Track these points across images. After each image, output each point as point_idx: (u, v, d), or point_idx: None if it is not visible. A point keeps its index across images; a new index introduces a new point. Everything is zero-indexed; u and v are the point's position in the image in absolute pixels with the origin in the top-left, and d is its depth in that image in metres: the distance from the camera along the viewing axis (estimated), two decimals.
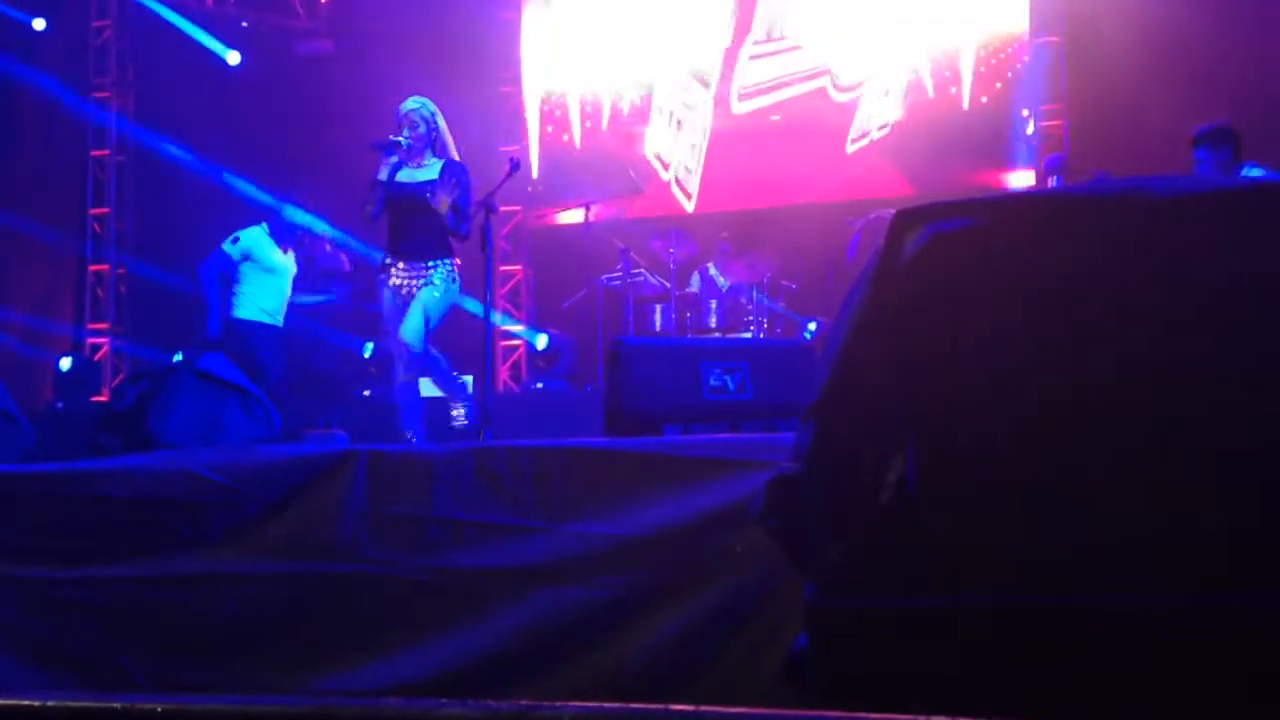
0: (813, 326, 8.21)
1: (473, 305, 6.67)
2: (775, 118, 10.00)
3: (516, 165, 5.92)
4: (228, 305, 7.09)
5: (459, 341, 5.91)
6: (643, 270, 8.83)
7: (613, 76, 10.54)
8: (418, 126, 5.62)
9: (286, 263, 7.24)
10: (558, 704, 1.28)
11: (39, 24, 10.63)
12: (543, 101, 10.70)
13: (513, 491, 3.61)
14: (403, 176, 5.61)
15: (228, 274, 7.09)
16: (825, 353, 1.88)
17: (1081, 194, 2.08)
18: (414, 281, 5.55)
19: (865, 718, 1.27)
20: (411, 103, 5.71)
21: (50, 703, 1.39)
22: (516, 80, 10.76)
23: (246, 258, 7.08)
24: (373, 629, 3.68)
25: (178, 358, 8.18)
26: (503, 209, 7.84)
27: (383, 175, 5.59)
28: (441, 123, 5.72)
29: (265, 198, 7.73)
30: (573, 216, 9.66)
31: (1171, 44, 7.96)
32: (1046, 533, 1.68)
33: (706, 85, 10.17)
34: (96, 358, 10.86)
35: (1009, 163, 9.23)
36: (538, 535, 3.56)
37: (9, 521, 3.98)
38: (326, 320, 8.77)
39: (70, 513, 3.98)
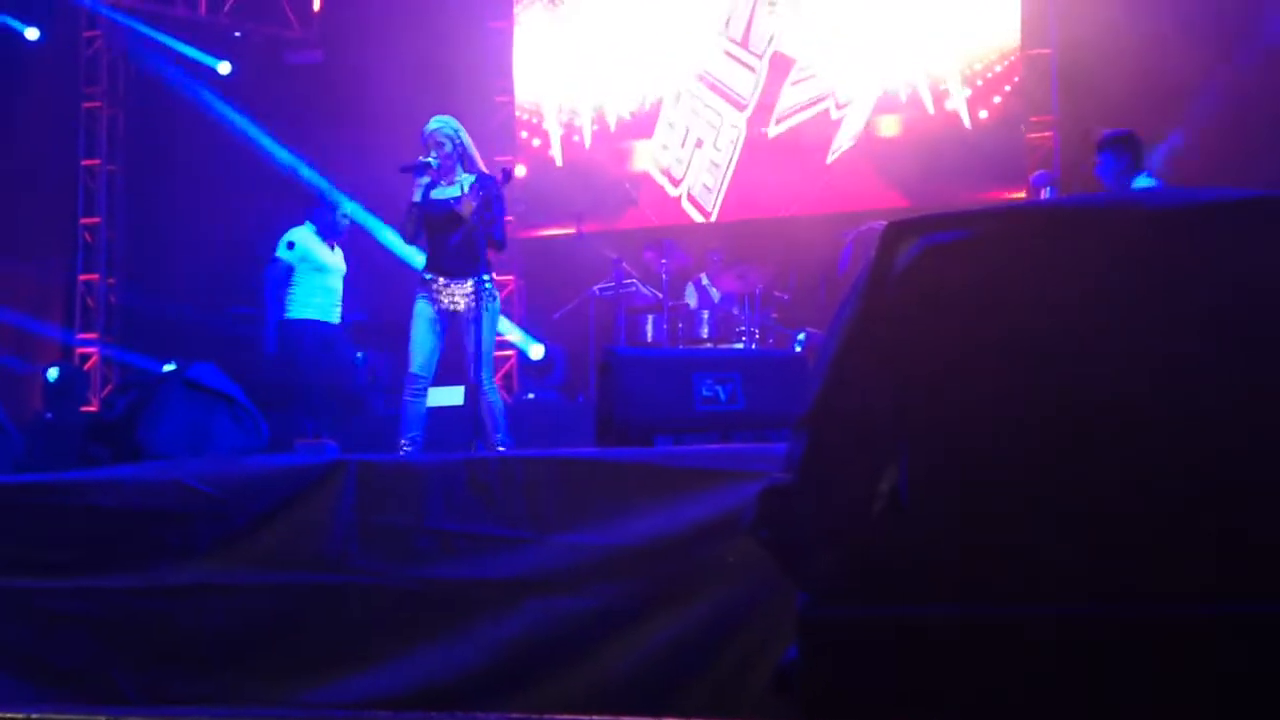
0: (801, 337, 8.22)
1: None
2: (768, 131, 10.02)
3: (509, 175, 5.98)
4: (280, 309, 7.06)
5: (451, 352, 5.90)
6: (634, 281, 8.84)
7: (598, 91, 10.53)
8: (444, 146, 5.67)
9: (335, 260, 7.22)
10: (547, 715, 1.27)
11: (32, 34, 10.62)
12: (529, 115, 10.70)
13: (504, 502, 3.60)
14: (436, 194, 5.67)
15: (285, 279, 7.07)
16: (817, 363, 1.88)
17: (1072, 206, 2.09)
18: (457, 298, 5.58)
19: None
20: (435, 123, 5.73)
21: (36, 715, 1.38)
22: (509, 90, 10.77)
23: (303, 259, 7.06)
24: (362, 640, 3.67)
25: (169, 367, 8.16)
26: None
27: (416, 196, 5.65)
28: (466, 138, 5.76)
29: (318, 186, 7.60)
30: (565, 227, 9.67)
31: (1162, 57, 8.00)
32: (1040, 543, 1.69)
33: (742, 108, 10.11)
34: (86, 367, 10.83)
35: (1012, 177, 9.21)
36: (529, 546, 3.55)
37: None
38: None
39: (59, 523, 3.97)
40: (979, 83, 9.44)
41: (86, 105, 11.14)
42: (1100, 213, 1.85)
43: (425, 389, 5.63)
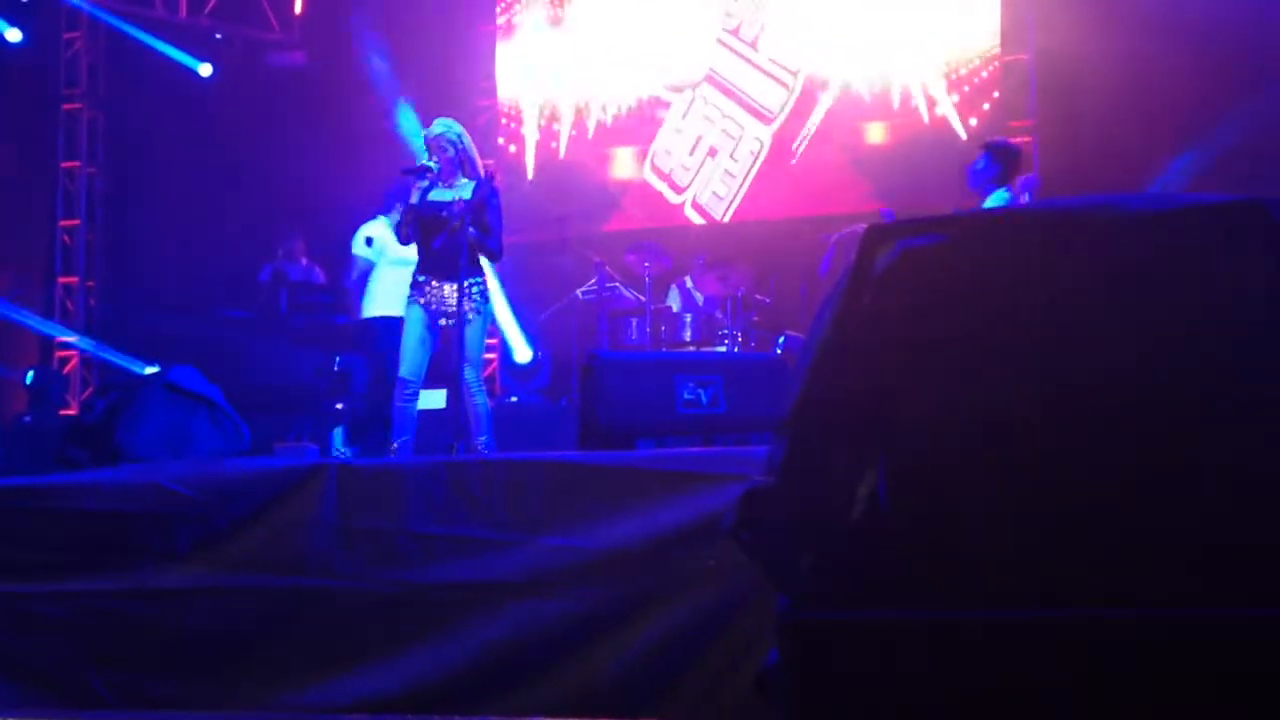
0: (783, 340, 8.23)
1: None
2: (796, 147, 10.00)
3: (492, 177, 5.97)
4: (358, 308, 6.99)
5: (438, 354, 5.90)
6: (618, 284, 8.84)
7: (587, 93, 10.50)
8: (446, 150, 5.64)
9: (409, 253, 7.19)
10: (531, 718, 1.28)
11: (14, 35, 10.55)
12: (508, 120, 10.68)
13: (486, 505, 3.60)
14: (432, 197, 5.65)
15: (364, 278, 7.00)
16: (798, 366, 1.89)
17: (1049, 211, 2.10)
18: (447, 299, 5.56)
19: None
20: (438, 127, 5.71)
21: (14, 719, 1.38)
22: (492, 93, 10.75)
23: (382, 254, 7.00)
24: (345, 643, 3.66)
25: (151, 370, 8.12)
26: None
27: (413, 199, 5.64)
28: (469, 142, 5.74)
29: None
30: (548, 230, 9.66)
31: (1141, 63, 8.04)
32: (1019, 545, 1.70)
33: (769, 122, 10.07)
34: (65, 370, 10.76)
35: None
36: (511, 549, 3.55)
37: None
38: (298, 333, 8.72)
39: (39, 527, 3.95)
40: (965, 88, 9.47)
41: (66, 107, 11.07)
42: (1077, 217, 1.86)
43: (416, 393, 5.63)
